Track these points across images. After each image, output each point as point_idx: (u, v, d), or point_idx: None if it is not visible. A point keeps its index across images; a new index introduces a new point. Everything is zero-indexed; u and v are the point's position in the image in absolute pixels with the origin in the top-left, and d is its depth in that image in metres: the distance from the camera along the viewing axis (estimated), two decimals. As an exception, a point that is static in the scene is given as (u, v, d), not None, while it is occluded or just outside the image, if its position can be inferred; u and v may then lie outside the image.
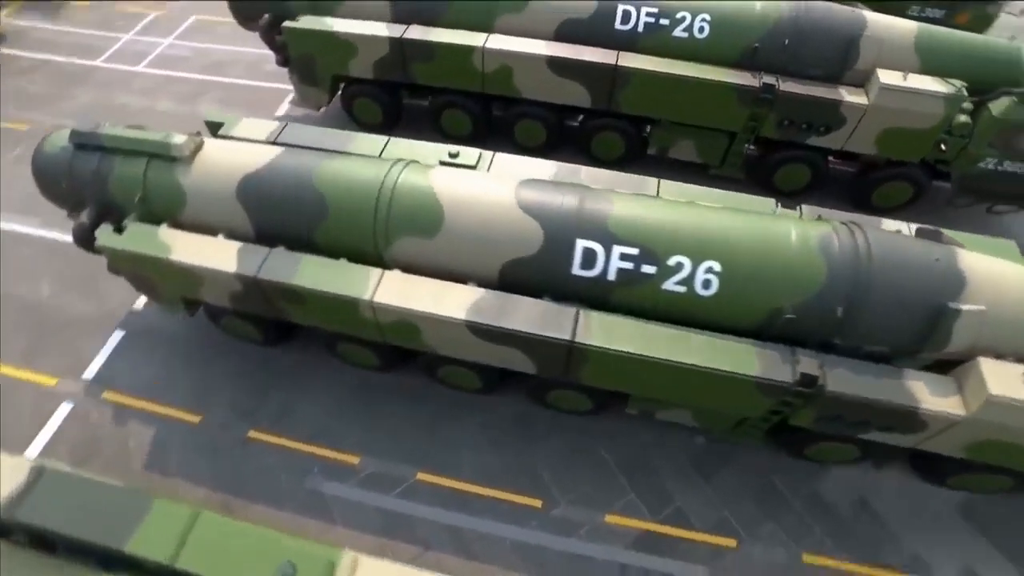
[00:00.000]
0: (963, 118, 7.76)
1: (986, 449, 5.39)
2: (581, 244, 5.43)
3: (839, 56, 7.91)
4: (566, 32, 8.61)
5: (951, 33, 8.17)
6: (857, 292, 5.10)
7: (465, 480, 6.37)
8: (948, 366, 5.47)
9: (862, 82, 8.03)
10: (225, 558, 4.00)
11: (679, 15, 8.21)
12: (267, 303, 6.19)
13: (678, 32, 8.27)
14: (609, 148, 9.57)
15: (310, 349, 7.45)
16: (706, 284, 5.33)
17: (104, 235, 6.25)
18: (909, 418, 5.21)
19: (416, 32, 8.73)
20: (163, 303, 7.00)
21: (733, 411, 5.90)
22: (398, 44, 8.72)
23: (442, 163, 6.65)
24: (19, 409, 7.06)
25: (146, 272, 6.45)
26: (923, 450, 5.71)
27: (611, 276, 5.46)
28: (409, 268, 5.86)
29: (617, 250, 5.39)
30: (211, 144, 6.60)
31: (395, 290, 5.65)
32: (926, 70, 7.88)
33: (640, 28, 8.35)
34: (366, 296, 5.61)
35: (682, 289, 5.38)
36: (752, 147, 8.99)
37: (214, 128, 7.41)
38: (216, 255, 6.02)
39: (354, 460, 6.53)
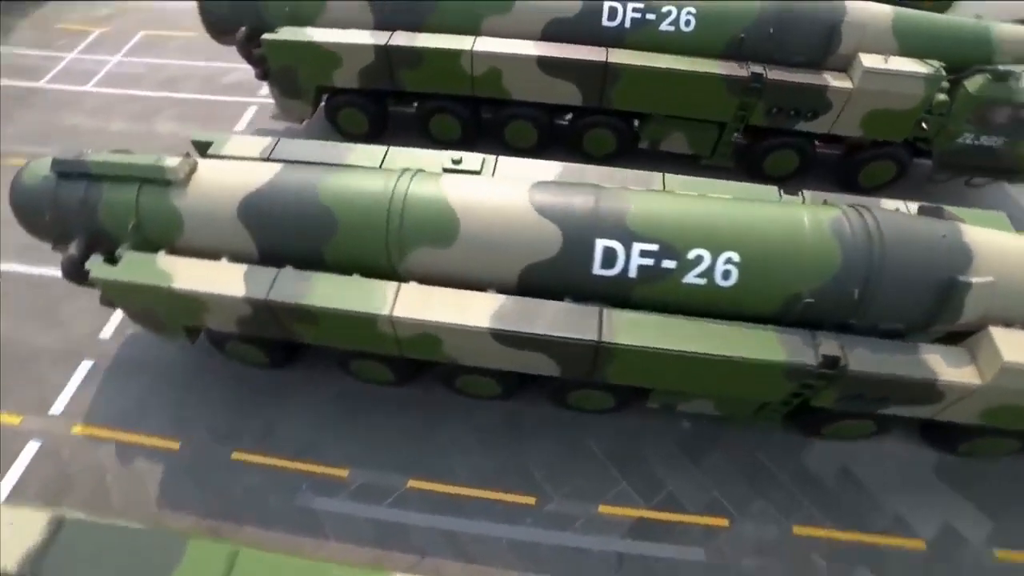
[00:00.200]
0: (942, 97, 8.05)
1: (999, 414, 5.60)
2: (601, 244, 5.43)
3: (822, 43, 8.11)
4: (553, 31, 8.60)
5: (926, 16, 8.46)
6: (872, 273, 5.23)
7: (457, 484, 6.35)
8: (957, 337, 5.67)
9: (844, 67, 8.25)
10: (276, 595, 3.87)
11: (665, 9, 8.29)
12: (278, 325, 6.01)
13: (665, 26, 8.35)
14: (600, 144, 9.61)
15: (291, 365, 7.26)
16: (726, 275, 5.39)
17: (97, 267, 5.97)
18: (928, 391, 5.37)
19: (401, 38, 8.59)
20: (163, 333, 6.72)
21: (756, 397, 5.99)
22: (384, 52, 8.57)
23: (445, 170, 6.56)
24: (-19, 453, 6.67)
25: (145, 302, 6.18)
26: (934, 420, 5.92)
27: (632, 274, 5.47)
28: (425, 279, 5.76)
29: (637, 247, 5.41)
30: (205, 165, 6.36)
31: (414, 303, 5.55)
32: (904, 52, 8.14)
33: (627, 24, 8.40)
34: (385, 311, 5.49)
35: (703, 282, 5.43)
36: (739, 136, 9.15)
37: (202, 148, 7.14)
38: (222, 280, 5.80)
39: (343, 473, 6.44)
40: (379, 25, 8.87)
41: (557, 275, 5.57)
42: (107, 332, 7.73)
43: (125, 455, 6.63)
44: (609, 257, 5.44)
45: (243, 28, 9.05)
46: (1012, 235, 5.70)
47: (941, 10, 10.38)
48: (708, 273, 5.39)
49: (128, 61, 12.60)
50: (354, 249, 5.80)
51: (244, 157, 6.85)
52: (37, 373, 7.36)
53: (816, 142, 9.17)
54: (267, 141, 7.09)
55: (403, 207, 5.68)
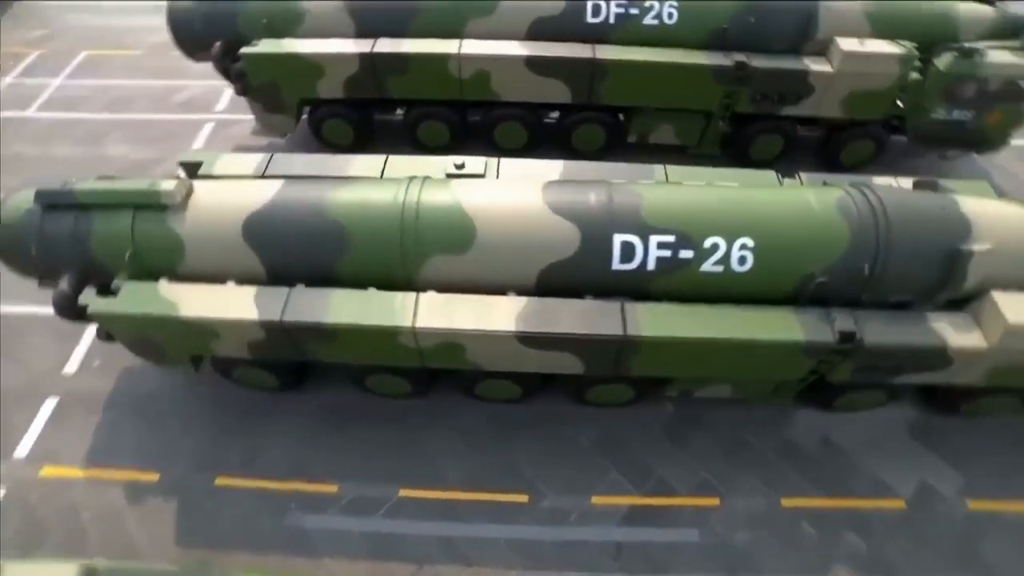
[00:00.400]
0: (915, 75, 8.39)
1: (1003, 375, 5.86)
2: (618, 238, 5.46)
3: (801, 29, 8.36)
4: (538, 31, 8.63)
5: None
6: (880, 248, 5.40)
7: (449, 488, 6.30)
8: (958, 304, 5.91)
9: (822, 51, 8.51)
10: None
11: (648, 3, 8.42)
12: (293, 346, 5.85)
13: (648, 20, 8.47)
14: (590, 140, 9.68)
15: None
16: (742, 260, 5.49)
17: (96, 302, 5.69)
18: (938, 357, 5.58)
19: (386, 45, 8.48)
20: (167, 364, 6.48)
21: (775, 377, 6.12)
22: (369, 59, 8.45)
23: (449, 175, 6.50)
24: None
25: (149, 334, 5.93)
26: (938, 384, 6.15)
27: (651, 266, 5.52)
28: (442, 287, 5.69)
29: (654, 240, 5.46)
30: (201, 186, 6.15)
31: (436, 312, 5.48)
32: (876, 34, 8.45)
33: (611, 20, 8.50)
34: (406, 323, 5.40)
35: (719, 269, 5.52)
36: (724, 124, 9.34)
37: (191, 169, 6.88)
38: (231, 304, 5.61)
39: (332, 489, 6.32)
40: (361, 33, 8.74)
41: (576, 273, 5.58)
42: (71, 367, 7.39)
43: (100, 493, 6.32)
44: (627, 251, 5.48)
45: (218, 43, 8.79)
46: (1001, 202, 5.97)
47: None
48: (725, 260, 5.48)
49: (71, 83, 12.09)
50: (368, 262, 5.69)
51: (238, 175, 6.65)
52: (-3, 416, 6.94)
53: (798, 125, 9.43)
54: (260, 158, 6.89)
55: (416, 216, 5.60)
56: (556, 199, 5.64)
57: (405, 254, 5.63)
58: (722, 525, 6.06)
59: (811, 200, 5.64)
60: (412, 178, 5.99)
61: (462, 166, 6.61)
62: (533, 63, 8.40)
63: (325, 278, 5.79)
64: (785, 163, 9.70)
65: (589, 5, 8.44)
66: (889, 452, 6.63)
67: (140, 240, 5.86)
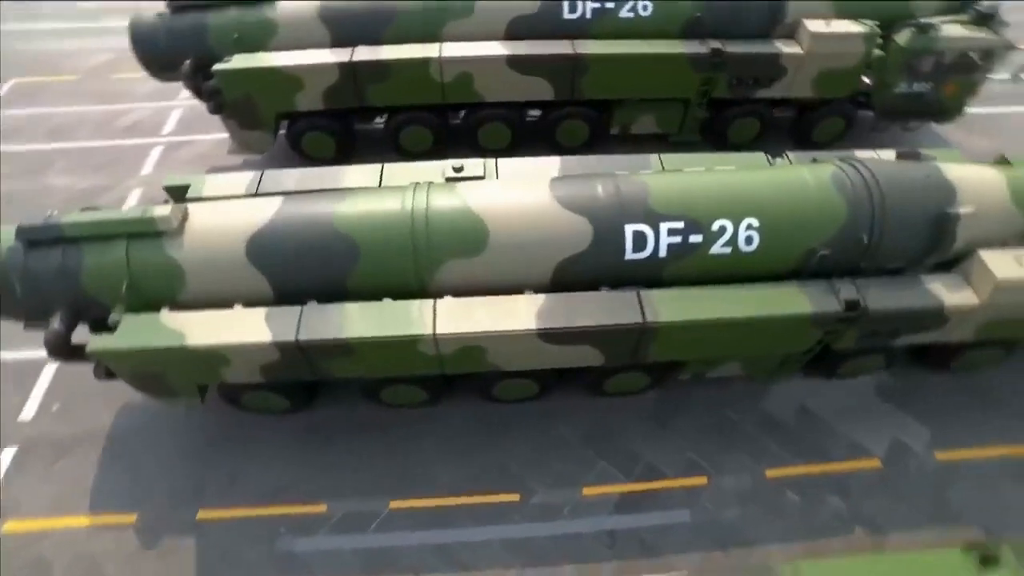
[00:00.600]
0: (878, 52, 8.80)
1: (993, 328, 6.21)
2: (630, 228, 5.55)
3: (770, 14, 8.64)
4: (517, 29, 8.66)
5: (854, -21, 9.20)
6: (876, 218, 5.66)
7: (439, 495, 6.25)
8: (946, 266, 6.23)
9: (791, 34, 8.83)
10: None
11: (622, -3, 8.56)
12: (309, 365, 5.71)
13: (624, 13, 8.62)
14: (573, 135, 9.78)
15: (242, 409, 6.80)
16: (748, 240, 5.66)
17: (95, 339, 5.42)
18: (935, 317, 5.88)
19: (365, 53, 8.36)
20: (172, 397, 6.21)
21: (785, 350, 6.32)
22: (349, 68, 8.31)
23: (449, 179, 6.47)
24: None
25: (154, 367, 5.68)
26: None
27: (663, 253, 5.63)
28: (458, 292, 5.66)
29: (664, 227, 5.57)
30: (196, 209, 5.94)
31: (455, 317, 5.44)
32: (840, 15, 8.81)
33: (588, 15, 8.60)
34: (427, 330, 5.35)
35: (728, 250, 5.67)
36: (701, 110, 9.57)
37: (177, 193, 6.61)
38: (242, 328, 5.44)
39: (321, 508, 6.17)
40: (337, 42, 8.59)
41: (591, 266, 5.64)
42: (28, 413, 6.97)
43: (73, 542, 5.96)
44: (639, 241, 5.57)
45: (188, 61, 8.49)
46: (975, 167, 6.32)
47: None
48: (732, 241, 5.63)
49: (2, 114, 11.42)
50: (380, 273, 5.61)
51: (230, 196, 6.44)
52: (-51, 473, 6.46)
53: (772, 108, 9.76)
54: (250, 176, 6.70)
55: (426, 222, 5.55)
56: (565, 194, 5.68)
57: (418, 261, 5.57)
58: (711, 502, 6.20)
59: (807, 177, 5.86)
60: (416, 184, 5.93)
61: (461, 169, 6.58)
62: (515, 62, 8.42)
63: (336, 293, 5.67)
64: (761, 145, 10.03)
65: (566, 1, 8.50)
66: (861, 415, 6.91)
67: (136, 270, 5.61)
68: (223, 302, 5.67)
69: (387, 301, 5.57)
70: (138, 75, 11.68)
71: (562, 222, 5.57)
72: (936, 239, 5.79)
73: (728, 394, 7.04)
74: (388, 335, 5.34)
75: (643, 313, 5.48)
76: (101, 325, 5.82)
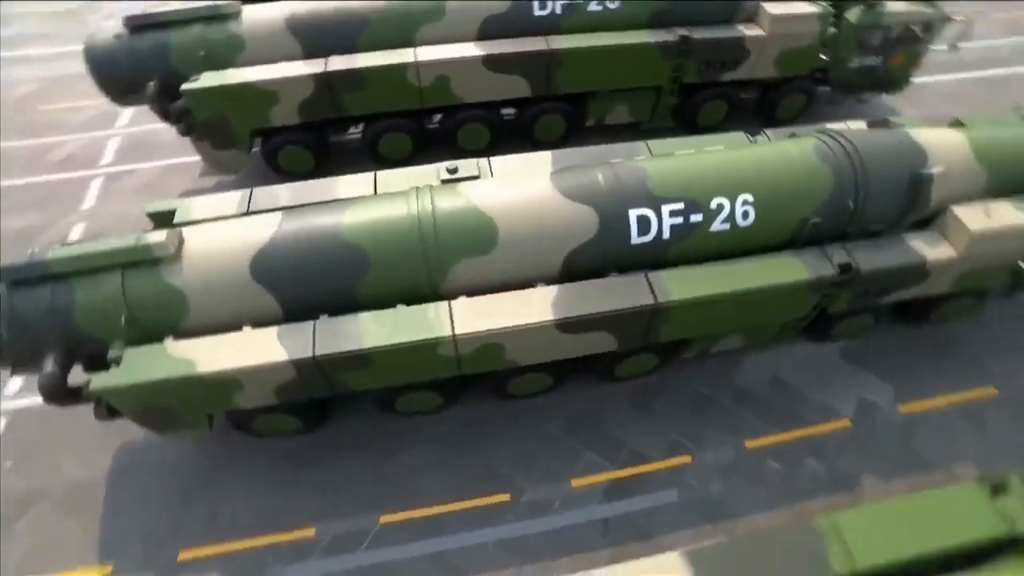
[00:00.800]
0: (832, 30, 9.29)
1: (968, 278, 6.65)
2: (634, 213, 5.69)
3: (731, 1, 8.99)
4: (489, 29, 8.71)
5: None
6: (859, 184, 5.99)
7: (429, 504, 6.20)
8: (921, 225, 6.64)
9: (751, 18, 9.21)
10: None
11: (590, -10, 8.73)
12: (326, 381, 5.61)
13: (592, 7, 8.79)
14: (551, 130, 9.90)
15: (216, 440, 6.62)
16: (745, 215, 5.89)
17: (99, 377, 5.18)
18: (919, 272, 6.26)
19: (340, 62, 8.24)
20: (180, 431, 5.98)
21: (785, 318, 6.60)
22: (325, 79, 8.17)
23: (444, 182, 6.47)
24: None
25: (163, 400, 5.47)
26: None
27: (666, 235, 5.80)
28: (471, 291, 5.68)
29: (666, 209, 5.73)
30: (192, 233, 5.76)
31: (472, 316, 5.46)
32: (794, -3, 9.26)
33: (558, 10, 8.73)
34: (446, 332, 5.35)
35: (727, 227, 5.89)
36: (672, 96, 9.85)
37: (163, 219, 6.39)
38: (255, 350, 5.30)
39: (309, 533, 6.04)
40: (309, 53, 8.44)
41: (599, 253, 5.75)
42: None
43: None
44: (643, 224, 5.72)
45: (152, 83, 8.17)
46: (939, 130, 6.76)
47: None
48: (730, 217, 5.85)
49: None
50: (391, 280, 5.57)
51: (222, 217, 6.26)
52: None
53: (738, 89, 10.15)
54: (238, 195, 6.52)
55: (434, 224, 5.55)
56: (568, 185, 5.78)
57: (429, 264, 5.56)
58: (697, 480, 6.35)
59: (792, 151, 6.14)
60: (419, 188, 5.91)
61: (455, 170, 6.59)
62: (491, 62, 8.48)
63: (347, 304, 5.60)
64: (730, 126, 10.41)
65: (535, 0, 8.62)
66: (829, 379, 7.22)
67: (135, 301, 5.40)
68: (230, 325, 5.51)
69: (401, 307, 5.54)
70: (67, 105, 11.34)
71: (568, 213, 5.66)
72: (914, 199, 6.16)
73: (702, 373, 7.22)
74: (408, 341, 5.31)
75: (654, 294, 5.64)
76: (98, 363, 5.59)
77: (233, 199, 6.48)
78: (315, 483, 6.38)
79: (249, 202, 6.41)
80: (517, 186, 5.86)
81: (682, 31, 8.80)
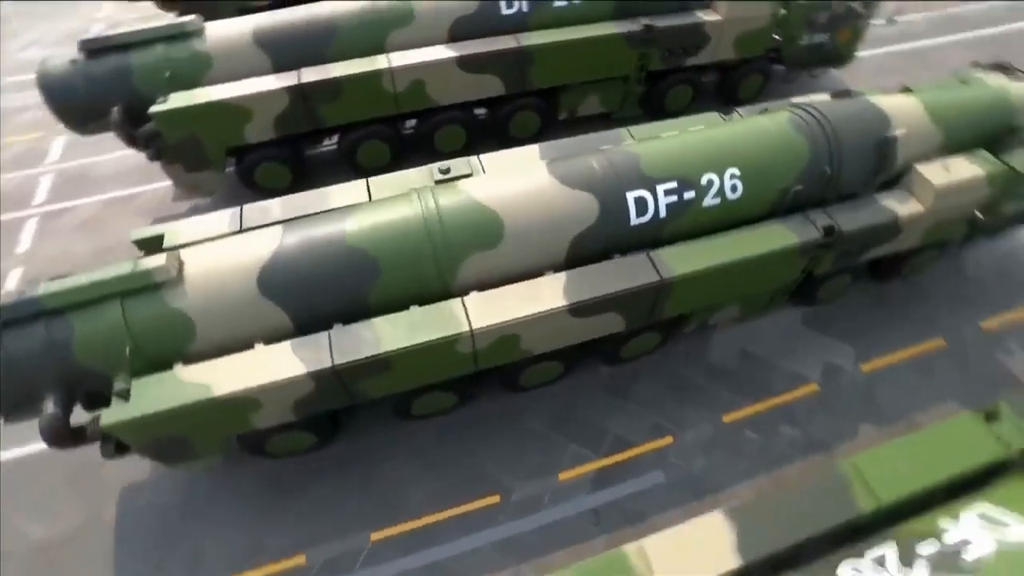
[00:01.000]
0: (782, 11, 9.80)
1: (933, 231, 7.14)
2: (631, 195, 5.88)
3: (688, -14, 9.39)
4: (459, 31, 8.79)
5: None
6: (833, 151, 6.37)
7: (419, 515, 6.13)
8: (888, 186, 7.10)
9: (707, 5, 9.61)
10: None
11: (554, -14, 8.92)
12: (345, 391, 5.57)
13: (558, 2, 8.99)
14: (526, 126, 10.04)
15: (188, 478, 6.44)
16: (733, 188, 6.18)
17: (108, 412, 4.98)
18: (892, 229, 6.70)
19: (312, 73, 8.14)
20: (196, 461, 5.80)
21: (778, 283, 6.91)
22: (299, 91, 8.06)
23: (438, 182, 6.51)
24: None
25: (179, 429, 5.30)
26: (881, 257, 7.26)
27: (663, 214, 6.02)
28: (482, 286, 5.74)
29: (660, 188, 5.95)
30: (190, 255, 5.61)
31: (487, 310, 5.52)
32: (744, -19, 9.71)
33: (525, 8, 8.89)
34: (463, 328, 5.40)
35: (717, 201, 6.16)
36: (639, 84, 10.16)
37: (150, 245, 6.19)
38: (272, 366, 5.21)
39: (300, 560, 5.89)
40: (279, 67, 8.31)
41: (601, 237, 5.92)
42: None
43: None
44: (641, 205, 5.93)
45: (115, 109, 7.87)
46: (895, 96, 7.25)
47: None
48: (720, 192, 6.13)
49: None
50: (402, 281, 5.57)
51: (215, 237, 6.12)
52: None
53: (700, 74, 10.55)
54: (228, 214, 6.38)
55: (441, 223, 5.59)
56: (565, 173, 5.92)
57: (439, 262, 5.59)
58: (680, 458, 6.46)
59: (768, 125, 6.47)
60: (420, 189, 5.93)
61: (447, 170, 6.64)
62: (465, 63, 8.55)
63: (359, 311, 5.57)
64: (694, 109, 10.79)
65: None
66: (794, 347, 7.47)
67: (138, 330, 5.22)
68: (239, 344, 5.41)
69: (415, 308, 5.55)
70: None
71: (569, 200, 5.80)
72: (882, 161, 6.60)
73: (674, 354, 7.36)
74: (427, 340, 5.33)
75: (658, 271, 5.84)
76: (96, 401, 5.39)
77: (222, 218, 6.34)
78: (300, 509, 6.19)
79: (241, 220, 6.28)
80: (516, 179, 5.97)
81: (645, 20, 9.10)
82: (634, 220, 5.94)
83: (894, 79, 11.14)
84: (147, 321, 5.24)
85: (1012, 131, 7.29)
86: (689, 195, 6.04)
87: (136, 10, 12.78)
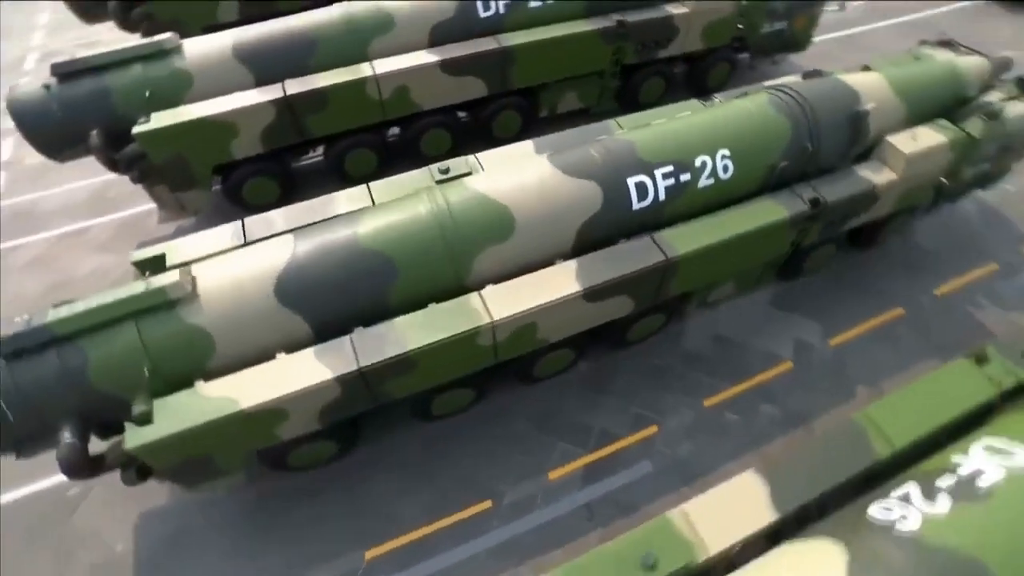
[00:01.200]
0: (745, 2, 10.28)
1: (905, 198, 7.63)
2: (632, 181, 6.11)
3: (655, -19, 9.76)
4: (439, 35, 8.90)
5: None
6: (812, 128, 6.75)
7: (412, 529, 6.07)
8: (861, 159, 7.54)
9: (673, -2, 10.02)
10: None
11: (528, -13, 9.14)
12: (370, 393, 5.59)
13: (533, 3, 9.21)
14: (509, 126, 10.21)
15: (170, 511, 6.27)
16: (725, 169, 6.48)
17: (131, 436, 4.87)
18: (870, 198, 7.13)
19: (297, 85, 8.12)
20: (218, 480, 5.71)
21: (770, 256, 7.24)
22: (285, 104, 8.02)
23: (439, 182, 6.61)
24: None
25: (205, 448, 5.21)
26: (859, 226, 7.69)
27: (662, 197, 6.26)
28: (497, 279, 5.86)
29: (658, 172, 6.20)
30: (202, 270, 5.54)
31: (504, 302, 5.64)
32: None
33: (501, 10, 9.08)
34: (484, 320, 5.50)
35: (711, 181, 6.45)
36: (614, 79, 10.47)
37: (152, 265, 6.05)
38: (298, 374, 5.20)
39: None
40: (261, 80, 8.25)
41: (606, 223, 6.12)
42: None
43: None
44: (642, 190, 6.16)
45: (94, 132, 7.67)
46: (860, 74, 7.72)
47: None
48: (713, 172, 6.42)
49: None
50: (420, 280, 5.64)
51: (220, 251, 6.05)
52: None
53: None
54: (230, 229, 6.33)
55: (453, 220, 5.68)
56: (567, 164, 6.10)
57: (453, 258, 5.68)
58: (666, 446, 6.57)
59: (750, 107, 6.81)
60: (426, 188, 6.01)
61: (447, 170, 6.75)
62: (447, 66, 8.66)
63: (378, 313, 5.61)
64: (667, 100, 11.16)
65: (479, 2, 8.91)
66: (765, 327, 7.69)
67: (156, 350, 5.14)
68: (259, 355, 5.38)
69: (433, 305, 5.62)
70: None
71: (574, 189, 5.98)
72: (855, 134, 7.02)
73: (649, 345, 7.49)
74: (450, 335, 5.41)
75: (663, 251, 6.08)
76: (110, 429, 5.27)
77: (224, 233, 6.28)
78: (289, 534, 6.07)
79: (244, 233, 6.23)
80: (520, 172, 6.11)
81: (617, 16, 9.41)
82: (636, 204, 6.16)
83: (835, 64, 11.62)
84: (165, 339, 5.15)
85: (964, 101, 7.86)
86: (685, 177, 6.30)
87: (74, 37, 12.12)
